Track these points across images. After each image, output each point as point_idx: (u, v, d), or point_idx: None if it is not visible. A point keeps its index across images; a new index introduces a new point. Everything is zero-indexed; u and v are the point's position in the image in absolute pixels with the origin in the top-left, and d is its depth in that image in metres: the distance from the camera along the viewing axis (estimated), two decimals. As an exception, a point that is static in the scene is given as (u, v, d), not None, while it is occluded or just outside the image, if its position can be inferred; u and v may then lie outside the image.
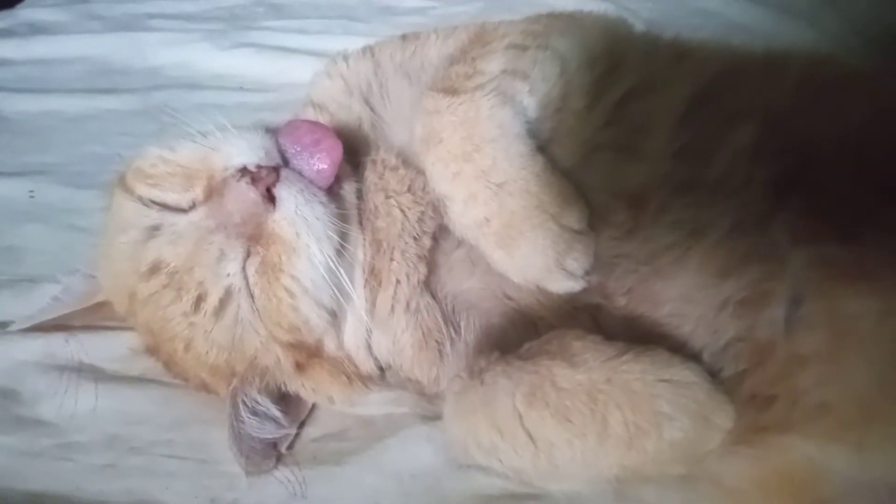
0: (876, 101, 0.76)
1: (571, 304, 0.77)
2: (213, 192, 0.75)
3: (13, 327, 0.89)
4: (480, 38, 0.86)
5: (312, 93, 0.98)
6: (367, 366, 0.86)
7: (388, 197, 0.85)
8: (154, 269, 0.76)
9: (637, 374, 0.62)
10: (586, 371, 0.62)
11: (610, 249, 0.75)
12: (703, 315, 0.70)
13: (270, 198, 0.74)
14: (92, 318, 0.90)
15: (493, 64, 0.78)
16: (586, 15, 0.89)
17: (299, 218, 0.74)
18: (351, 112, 0.92)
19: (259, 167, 0.74)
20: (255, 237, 0.75)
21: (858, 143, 0.72)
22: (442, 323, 0.83)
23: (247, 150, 0.75)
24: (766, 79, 0.77)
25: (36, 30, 1.69)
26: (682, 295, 0.71)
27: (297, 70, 1.46)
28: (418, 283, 0.83)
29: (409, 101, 0.89)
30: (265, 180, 0.73)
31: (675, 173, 0.74)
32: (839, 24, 1.49)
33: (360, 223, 0.85)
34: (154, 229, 0.76)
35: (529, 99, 0.76)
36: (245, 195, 0.73)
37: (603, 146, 0.78)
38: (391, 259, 0.83)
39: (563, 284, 0.73)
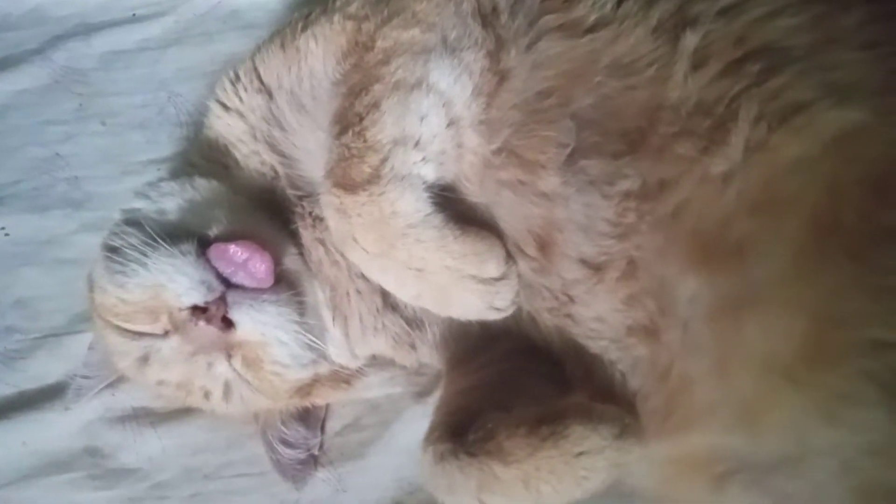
0: None
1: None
2: (177, 326, 0.84)
3: (68, 404, 1.06)
4: (361, 63, 0.83)
5: (214, 124, 0.98)
6: (357, 364, 1.02)
7: (326, 247, 0.92)
8: (161, 383, 0.90)
9: (557, 456, 0.76)
10: (518, 466, 0.76)
11: (531, 277, 0.84)
12: (615, 336, 0.81)
13: (228, 322, 0.83)
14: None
15: (384, 132, 0.78)
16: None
17: (258, 324, 0.85)
18: (262, 161, 0.94)
19: (207, 303, 0.82)
20: (229, 346, 0.86)
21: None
22: (407, 328, 0.97)
23: (190, 290, 0.82)
24: (649, 85, 0.76)
25: None
26: (595, 317, 0.82)
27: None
28: (377, 310, 0.95)
29: (313, 140, 0.90)
30: (217, 314, 0.82)
31: (575, 212, 0.78)
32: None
33: (311, 271, 0.93)
34: (144, 359, 0.88)
35: (425, 167, 0.79)
36: (205, 333, 0.83)
37: (504, 184, 0.81)
38: (348, 299, 0.94)
39: (498, 316, 0.84)
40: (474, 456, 0.79)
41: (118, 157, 1.25)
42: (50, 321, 1.16)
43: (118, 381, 1.05)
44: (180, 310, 0.83)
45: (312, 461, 1.02)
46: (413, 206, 0.78)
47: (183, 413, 1.07)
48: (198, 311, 0.83)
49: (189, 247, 0.84)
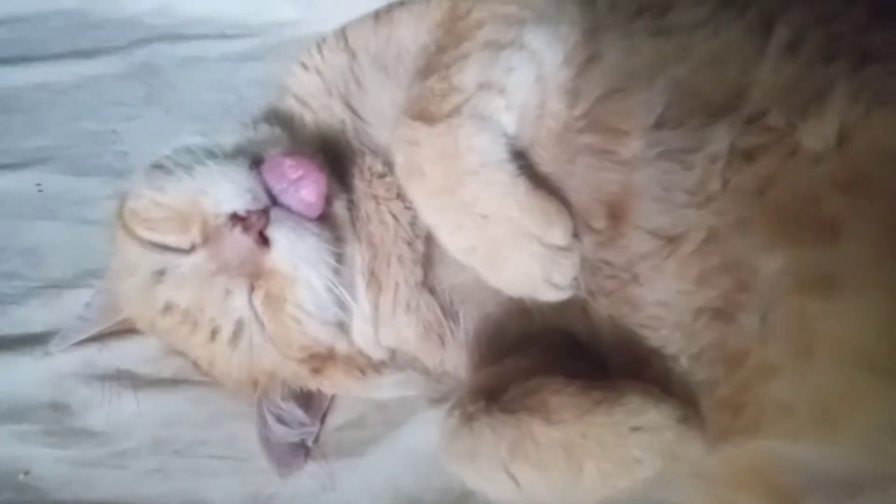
0: None
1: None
2: (209, 236, 0.78)
3: (51, 349, 0.97)
4: (453, 28, 0.84)
5: (291, 84, 0.98)
6: (376, 355, 0.93)
7: (378, 204, 0.88)
8: (167, 309, 0.81)
9: (609, 426, 0.67)
10: (562, 428, 0.67)
11: (593, 253, 0.78)
12: (679, 321, 0.74)
13: (264, 239, 0.77)
14: (119, 327, 0.97)
15: (468, 77, 0.77)
16: None
17: (294, 253, 0.78)
18: (333, 114, 0.92)
19: (249, 212, 0.77)
20: (255, 274, 0.79)
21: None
22: (441, 316, 0.89)
23: (234, 196, 0.77)
24: (740, 68, 0.75)
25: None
26: (659, 301, 0.75)
27: (277, 7, 1.41)
28: (416, 284, 0.88)
29: (388, 100, 0.89)
30: (256, 225, 0.76)
31: (654, 180, 0.74)
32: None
33: (355, 229, 0.88)
34: (160, 273, 0.80)
35: (507, 115, 0.76)
36: (239, 243, 0.76)
37: (583, 150, 0.78)
38: (388, 265, 0.88)
39: (552, 295, 0.77)
40: (512, 413, 0.68)
41: (173, 142, 1.25)
42: (55, 272, 1.10)
43: (113, 334, 0.97)
44: (217, 216, 0.77)
45: (304, 450, 0.89)
46: (489, 146, 0.75)
47: (170, 383, 0.97)
48: (236, 219, 0.77)
49: (242, 160, 0.80)
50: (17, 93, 1.38)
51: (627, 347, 0.77)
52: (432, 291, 0.89)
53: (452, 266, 0.88)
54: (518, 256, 0.75)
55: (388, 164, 0.87)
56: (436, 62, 0.81)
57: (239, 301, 0.80)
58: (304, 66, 0.96)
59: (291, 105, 0.97)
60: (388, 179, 0.87)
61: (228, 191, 0.77)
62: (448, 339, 0.90)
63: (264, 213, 0.77)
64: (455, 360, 0.91)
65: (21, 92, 1.38)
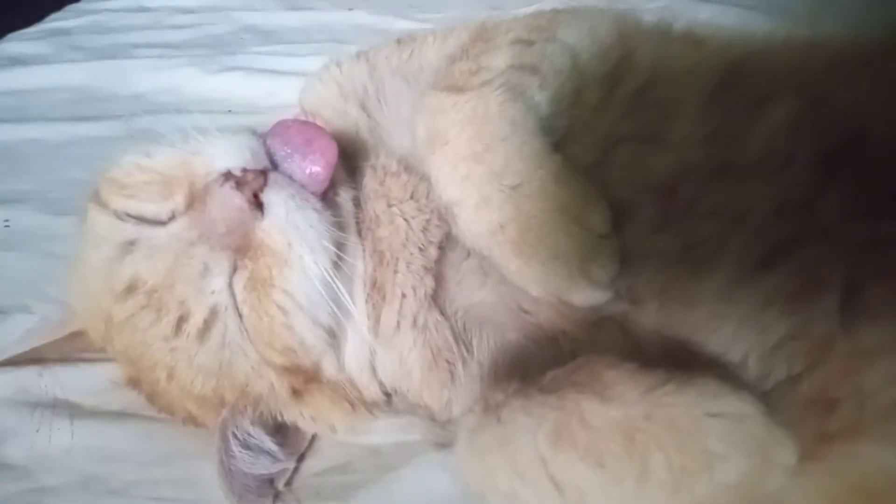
0: None
1: (596, 314, 0.69)
2: (195, 199, 0.68)
3: (-18, 362, 0.81)
4: (482, 36, 0.80)
5: (304, 99, 0.92)
6: (371, 390, 0.78)
7: (389, 205, 0.78)
8: (131, 288, 0.68)
9: (682, 407, 0.53)
10: (621, 406, 0.53)
11: (638, 248, 0.67)
12: (747, 314, 0.62)
13: (258, 204, 0.67)
14: (68, 349, 0.81)
15: (499, 59, 0.72)
16: (592, 7, 0.83)
17: (290, 226, 0.67)
18: (347, 117, 0.85)
19: (245, 170, 0.67)
20: (242, 249, 0.67)
21: None
22: (452, 341, 0.75)
23: (231, 153, 0.68)
24: (796, 57, 0.72)
25: (17, 62, 1.64)
26: (721, 293, 0.64)
27: (288, 91, 1.37)
28: (425, 296, 0.76)
29: (408, 105, 0.82)
30: (251, 184, 0.66)
31: (707, 159, 0.67)
32: (839, 27, 1.45)
33: (360, 233, 0.77)
34: (130, 244, 0.69)
35: (541, 94, 0.70)
36: (230, 201, 0.66)
37: (623, 139, 0.71)
38: (395, 271, 0.76)
39: (588, 295, 0.66)
40: (553, 391, 0.54)
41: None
42: (6, 299, 0.96)
43: (57, 360, 0.82)
44: (208, 174, 0.68)
45: (271, 491, 0.70)
46: (522, 115, 0.68)
47: (115, 416, 0.80)
48: (229, 176, 0.67)
49: (245, 130, 0.72)
50: (8, 146, 1.32)
51: (679, 364, 0.64)
52: (443, 312, 0.77)
53: (467, 284, 0.77)
54: (553, 238, 0.65)
55: (404, 164, 0.79)
56: (463, 55, 0.76)
57: (217, 281, 0.67)
58: (321, 80, 0.91)
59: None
60: (402, 178, 0.78)
61: (225, 148, 0.68)
62: (458, 372, 0.76)
63: (262, 174, 0.67)
64: (465, 401, 0.76)
65: (12, 145, 1.33)
